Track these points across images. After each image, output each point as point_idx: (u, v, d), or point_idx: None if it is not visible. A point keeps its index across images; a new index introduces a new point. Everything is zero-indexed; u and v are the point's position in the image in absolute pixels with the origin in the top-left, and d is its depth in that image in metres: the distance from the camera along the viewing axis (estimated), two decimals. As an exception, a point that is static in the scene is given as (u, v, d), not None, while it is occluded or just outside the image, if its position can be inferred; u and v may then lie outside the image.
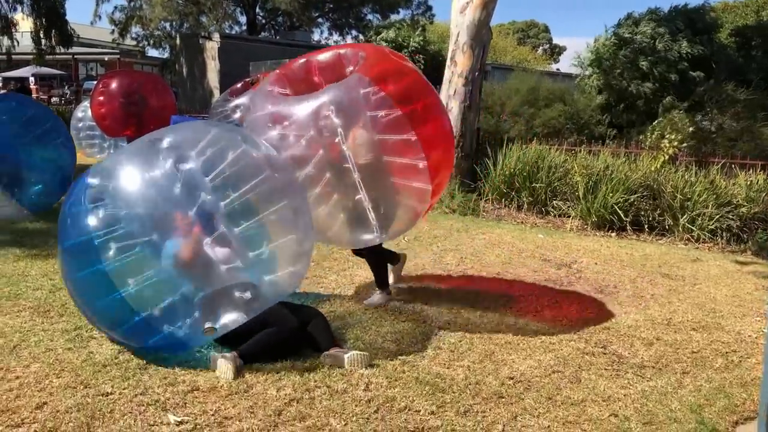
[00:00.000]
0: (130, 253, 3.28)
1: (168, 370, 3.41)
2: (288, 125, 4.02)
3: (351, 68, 4.31)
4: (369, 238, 4.21)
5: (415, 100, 4.10)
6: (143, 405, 3.04)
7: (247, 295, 3.43)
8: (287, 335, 3.65)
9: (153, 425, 2.87)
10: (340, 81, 4.15)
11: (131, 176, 3.44)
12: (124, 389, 3.17)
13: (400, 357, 3.77)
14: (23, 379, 3.24)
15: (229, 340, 3.63)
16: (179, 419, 2.92)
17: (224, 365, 3.37)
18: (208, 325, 3.35)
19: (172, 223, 3.39)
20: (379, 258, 4.84)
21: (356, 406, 3.15)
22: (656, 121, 10.76)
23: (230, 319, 3.40)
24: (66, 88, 30.84)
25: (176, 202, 3.39)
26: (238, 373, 3.38)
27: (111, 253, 3.27)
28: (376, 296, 4.80)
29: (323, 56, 4.53)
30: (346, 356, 3.57)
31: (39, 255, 5.65)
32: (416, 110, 4.05)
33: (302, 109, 4.00)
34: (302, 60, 4.56)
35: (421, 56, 15.14)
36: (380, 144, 4.00)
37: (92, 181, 3.46)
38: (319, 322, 3.83)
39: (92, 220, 3.32)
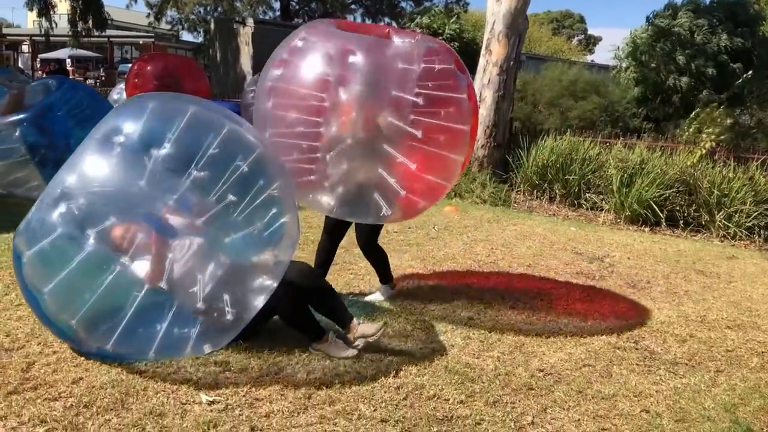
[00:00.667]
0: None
1: (200, 350, 3.44)
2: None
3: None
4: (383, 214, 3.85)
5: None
6: (176, 384, 3.08)
7: (272, 258, 3.26)
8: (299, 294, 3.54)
9: (185, 404, 2.91)
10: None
11: (96, 174, 3.19)
12: (157, 368, 3.22)
13: (429, 345, 3.76)
14: (60, 354, 3.30)
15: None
16: (211, 399, 2.96)
17: (337, 352, 3.49)
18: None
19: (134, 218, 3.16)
20: (378, 254, 4.58)
21: (385, 392, 3.16)
22: (693, 114, 10.55)
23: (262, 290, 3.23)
24: (101, 70, 31.28)
25: (143, 197, 3.14)
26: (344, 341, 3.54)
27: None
28: (381, 291, 4.59)
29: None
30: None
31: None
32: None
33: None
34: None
35: (455, 44, 15.01)
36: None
37: (67, 180, 3.21)
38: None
39: (60, 222, 3.08)
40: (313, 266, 3.99)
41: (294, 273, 3.52)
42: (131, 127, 3.23)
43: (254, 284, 3.25)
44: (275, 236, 3.27)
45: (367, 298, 4.53)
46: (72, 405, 2.83)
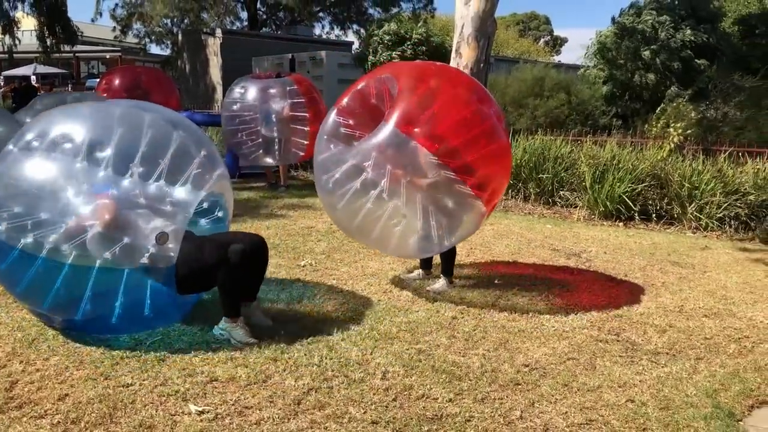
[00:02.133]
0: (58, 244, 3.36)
1: (186, 361, 3.43)
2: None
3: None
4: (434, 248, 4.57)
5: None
6: (164, 396, 3.06)
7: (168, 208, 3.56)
8: (238, 268, 3.70)
9: (174, 415, 2.90)
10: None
11: (21, 182, 3.48)
12: (143, 380, 3.20)
13: (415, 346, 3.79)
14: (44, 372, 3.26)
15: (189, 285, 3.70)
16: (200, 409, 2.95)
17: (240, 335, 3.67)
18: (158, 233, 3.45)
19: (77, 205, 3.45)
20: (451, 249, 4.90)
21: (374, 394, 3.18)
22: (659, 109, 10.76)
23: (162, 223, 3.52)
24: (69, 86, 30.86)
25: (71, 186, 3.45)
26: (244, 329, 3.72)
27: (38, 248, 3.36)
28: (440, 283, 4.92)
29: (363, 84, 4.75)
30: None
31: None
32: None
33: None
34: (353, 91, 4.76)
35: (423, 48, 15.09)
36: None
37: None
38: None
39: (7, 237, 3.40)
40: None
41: (248, 242, 3.81)
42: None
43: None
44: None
45: (430, 288, 4.88)
46: (59, 422, 2.80)
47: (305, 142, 9.07)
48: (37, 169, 3.47)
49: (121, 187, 3.49)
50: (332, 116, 4.68)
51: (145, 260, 3.46)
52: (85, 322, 3.61)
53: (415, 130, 4.21)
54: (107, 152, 3.50)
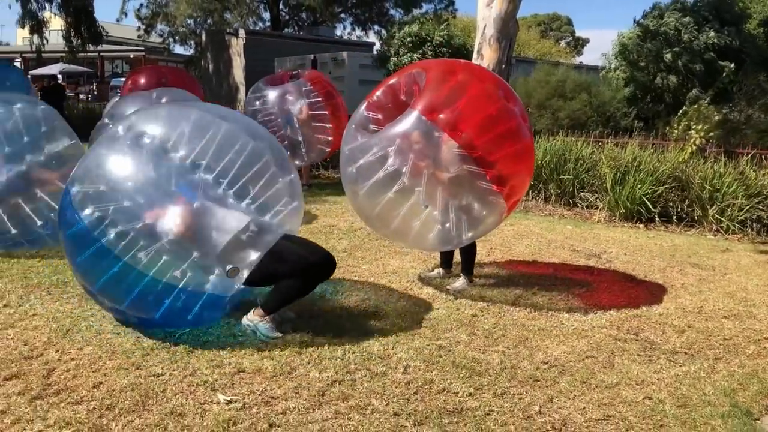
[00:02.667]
0: (135, 243, 3.40)
1: (214, 353, 3.54)
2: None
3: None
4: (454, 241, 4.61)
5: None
6: (193, 385, 3.17)
7: (253, 228, 3.59)
8: (307, 283, 3.86)
9: (204, 403, 3.01)
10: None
11: (106, 173, 3.57)
12: (173, 371, 3.31)
13: (435, 342, 3.87)
14: (78, 361, 3.39)
15: (255, 283, 3.84)
16: (228, 398, 3.05)
17: (266, 329, 3.77)
18: (229, 266, 3.52)
19: (158, 202, 3.50)
20: (471, 245, 4.96)
21: (396, 387, 3.26)
22: (681, 111, 10.72)
23: (248, 257, 3.57)
24: (93, 85, 31.35)
25: (155, 183, 3.53)
26: (274, 327, 3.81)
27: (119, 248, 3.40)
28: (460, 282, 4.99)
29: (394, 80, 4.83)
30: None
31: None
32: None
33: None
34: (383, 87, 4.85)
35: (445, 49, 15.16)
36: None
37: (74, 190, 3.57)
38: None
39: (90, 227, 3.44)
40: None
41: (323, 265, 3.92)
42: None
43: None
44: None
45: (450, 286, 4.94)
46: (95, 408, 2.92)
47: (329, 138, 9.22)
48: (137, 165, 3.56)
49: (209, 196, 3.58)
50: (362, 110, 4.76)
51: (209, 285, 3.56)
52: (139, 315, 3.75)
53: (440, 116, 4.24)
54: (202, 160, 3.59)
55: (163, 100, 6.99)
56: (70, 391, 3.07)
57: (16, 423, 2.77)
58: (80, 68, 33.68)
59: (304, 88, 9.31)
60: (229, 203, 3.60)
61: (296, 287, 3.82)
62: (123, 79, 16.26)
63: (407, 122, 4.30)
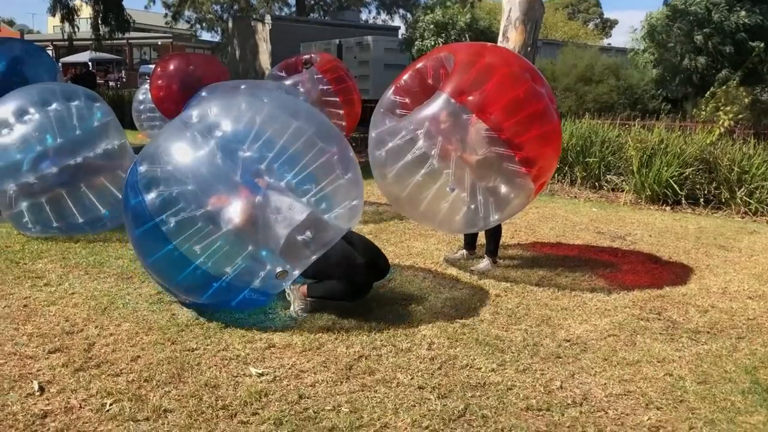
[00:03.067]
0: (193, 227, 3.51)
1: (246, 329, 3.68)
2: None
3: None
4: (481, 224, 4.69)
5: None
6: (226, 359, 3.31)
7: (308, 234, 3.66)
8: (354, 287, 3.94)
9: (237, 376, 3.14)
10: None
11: (174, 156, 3.66)
12: (207, 346, 3.46)
13: (459, 320, 3.96)
14: (117, 336, 3.55)
15: (308, 276, 3.97)
16: (260, 371, 3.19)
17: (299, 306, 3.92)
18: (279, 269, 3.61)
19: (222, 191, 3.59)
20: (496, 227, 5.05)
21: (420, 362, 3.36)
22: (708, 93, 10.58)
23: (305, 254, 3.66)
24: (122, 72, 31.77)
25: (221, 171, 3.61)
26: (306, 308, 3.93)
27: (176, 231, 3.51)
28: (484, 263, 5.08)
29: (422, 64, 4.89)
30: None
31: (118, 227, 5.99)
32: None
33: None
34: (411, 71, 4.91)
35: (468, 34, 15.09)
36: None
37: (141, 168, 3.68)
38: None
39: (151, 206, 3.54)
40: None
41: (369, 258, 4.01)
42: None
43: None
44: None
45: (474, 267, 5.03)
46: (134, 379, 3.07)
47: (343, 123, 9.33)
48: (204, 155, 3.63)
49: (273, 189, 3.67)
50: (389, 94, 4.83)
51: (258, 283, 3.66)
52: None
53: (469, 98, 4.29)
54: (269, 154, 3.66)
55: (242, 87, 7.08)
56: (110, 363, 3.23)
57: (62, 392, 2.93)
58: (109, 56, 34.13)
59: (315, 77, 9.43)
60: (291, 198, 3.68)
61: (341, 289, 3.91)
62: (152, 66, 16.49)
63: (436, 105, 4.36)
